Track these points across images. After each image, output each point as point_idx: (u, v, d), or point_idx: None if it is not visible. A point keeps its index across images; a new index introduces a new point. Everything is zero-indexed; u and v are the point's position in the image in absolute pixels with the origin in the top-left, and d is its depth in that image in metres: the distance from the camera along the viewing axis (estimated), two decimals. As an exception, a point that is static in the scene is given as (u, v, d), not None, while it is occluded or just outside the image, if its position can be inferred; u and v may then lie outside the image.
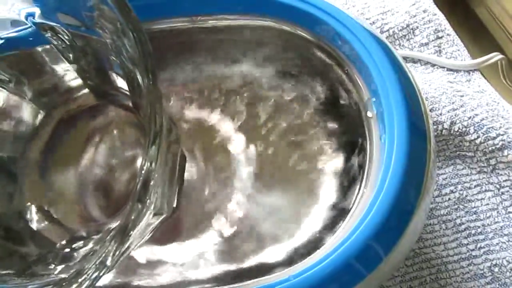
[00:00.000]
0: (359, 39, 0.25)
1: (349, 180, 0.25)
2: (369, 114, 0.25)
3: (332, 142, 0.27)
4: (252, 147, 0.28)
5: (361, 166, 0.25)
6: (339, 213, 0.25)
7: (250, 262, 0.25)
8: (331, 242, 0.23)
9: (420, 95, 0.25)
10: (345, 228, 0.23)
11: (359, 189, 0.24)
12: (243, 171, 0.27)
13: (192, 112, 0.29)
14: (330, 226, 0.25)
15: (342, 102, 0.27)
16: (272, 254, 0.25)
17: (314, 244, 0.24)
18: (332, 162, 0.26)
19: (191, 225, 0.27)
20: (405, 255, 0.24)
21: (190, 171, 0.28)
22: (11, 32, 0.25)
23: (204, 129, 0.28)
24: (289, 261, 0.24)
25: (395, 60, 0.25)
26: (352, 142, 0.26)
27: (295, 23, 0.27)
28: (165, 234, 0.26)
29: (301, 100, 0.28)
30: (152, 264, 0.26)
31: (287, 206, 0.26)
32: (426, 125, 0.24)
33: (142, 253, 0.26)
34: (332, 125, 0.27)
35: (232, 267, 0.25)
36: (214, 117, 0.29)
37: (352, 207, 0.24)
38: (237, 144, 0.28)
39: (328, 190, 0.26)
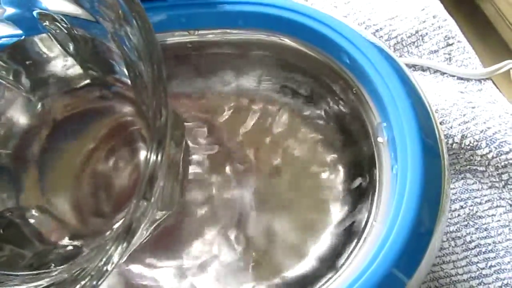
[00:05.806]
0: (369, 59, 0.23)
1: (359, 208, 0.24)
2: (379, 139, 0.24)
3: (340, 169, 0.26)
4: (255, 170, 0.26)
5: (372, 195, 0.24)
6: (350, 243, 0.24)
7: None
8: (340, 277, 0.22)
9: (433, 115, 0.24)
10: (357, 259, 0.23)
11: (369, 218, 0.23)
12: (248, 194, 0.26)
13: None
14: (332, 265, 0.24)
15: (350, 126, 0.26)
16: (286, 283, 0.24)
17: (318, 277, 0.23)
18: (340, 190, 0.25)
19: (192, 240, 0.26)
20: (422, 280, 0.24)
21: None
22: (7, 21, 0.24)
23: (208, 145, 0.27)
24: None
25: (406, 79, 0.24)
26: (362, 169, 0.25)
27: (301, 40, 0.25)
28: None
29: (306, 123, 0.27)
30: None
31: (295, 234, 0.25)
32: (439, 145, 0.23)
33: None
34: (340, 150, 0.26)
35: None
36: (218, 134, 0.28)
37: (361, 239, 0.23)
38: (241, 166, 0.27)
39: (337, 218, 0.25)
